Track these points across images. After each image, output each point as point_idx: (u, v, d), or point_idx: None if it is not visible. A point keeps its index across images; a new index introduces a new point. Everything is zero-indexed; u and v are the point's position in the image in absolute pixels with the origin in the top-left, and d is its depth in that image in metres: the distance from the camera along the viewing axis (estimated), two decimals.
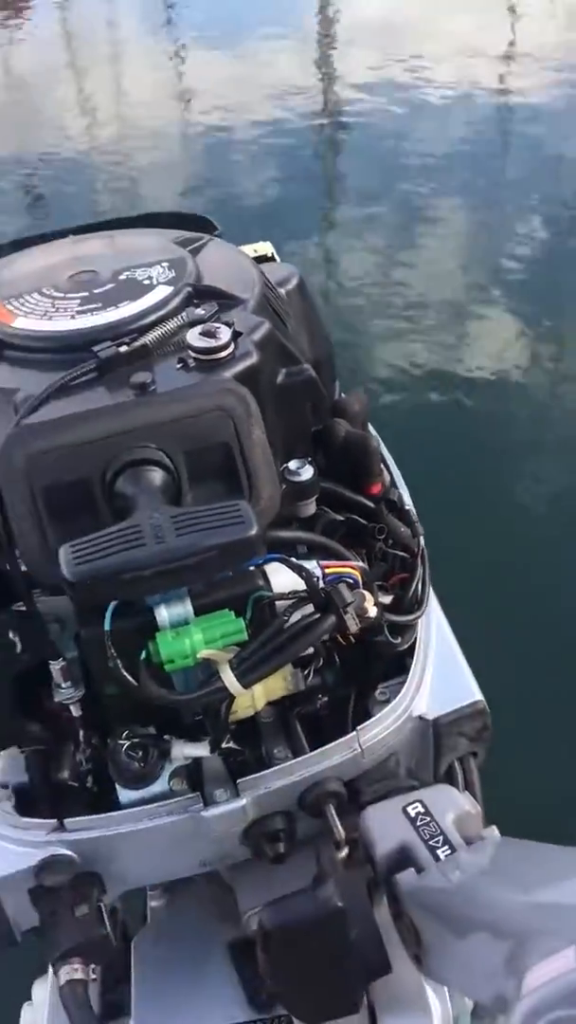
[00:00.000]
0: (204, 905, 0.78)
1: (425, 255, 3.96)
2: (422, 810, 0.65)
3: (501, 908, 0.51)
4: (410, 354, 3.31)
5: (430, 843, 0.63)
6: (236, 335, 0.65)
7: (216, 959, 0.74)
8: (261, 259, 0.83)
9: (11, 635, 0.65)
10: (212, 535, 0.54)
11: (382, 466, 0.79)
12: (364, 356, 3.27)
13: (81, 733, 0.70)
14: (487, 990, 0.49)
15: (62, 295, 0.71)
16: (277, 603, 0.65)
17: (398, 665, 0.75)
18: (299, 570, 0.65)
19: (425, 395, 3.11)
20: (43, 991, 0.77)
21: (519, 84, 5.48)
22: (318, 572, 0.67)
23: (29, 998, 0.79)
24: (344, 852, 0.66)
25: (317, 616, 0.65)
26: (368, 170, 4.78)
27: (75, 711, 0.68)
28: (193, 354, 0.64)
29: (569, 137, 4.81)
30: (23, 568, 0.62)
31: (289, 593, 0.65)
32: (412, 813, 0.65)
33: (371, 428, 0.82)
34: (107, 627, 0.61)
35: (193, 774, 0.69)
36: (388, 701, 0.72)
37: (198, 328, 0.65)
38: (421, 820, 0.65)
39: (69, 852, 0.65)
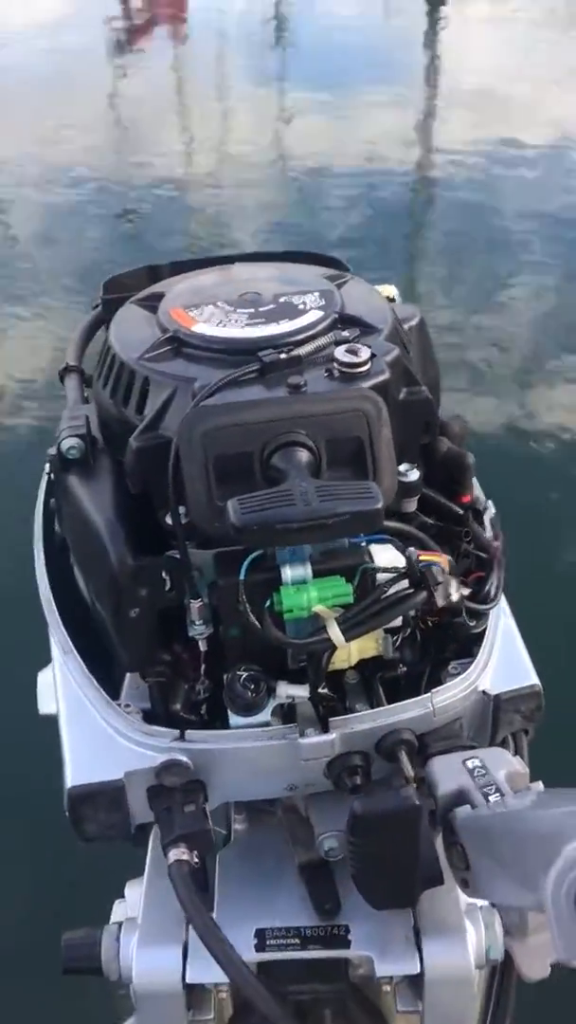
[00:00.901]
0: (281, 831, 0.91)
1: None
2: (479, 764, 0.78)
3: (541, 818, 0.64)
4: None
5: (484, 790, 0.76)
6: (373, 355, 0.80)
7: (289, 875, 0.88)
8: (387, 299, 0.98)
9: (164, 575, 0.80)
10: (347, 503, 0.69)
11: (474, 482, 0.93)
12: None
13: (203, 667, 0.85)
14: (528, 896, 0.62)
15: (233, 309, 0.88)
16: (379, 576, 0.80)
17: (467, 650, 0.89)
18: (402, 550, 0.80)
19: None
20: (135, 890, 0.90)
21: None
22: (415, 556, 0.82)
23: (122, 896, 0.93)
24: (413, 788, 0.79)
25: (411, 590, 0.79)
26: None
27: (202, 646, 0.83)
28: (338, 367, 0.80)
29: None
30: (183, 522, 0.77)
31: (391, 568, 0.79)
32: (470, 766, 0.78)
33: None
34: (242, 577, 0.76)
35: (290, 712, 0.83)
36: (458, 675, 0.85)
37: (343, 346, 0.81)
38: (478, 772, 0.78)
39: (185, 759, 0.79)
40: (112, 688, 0.88)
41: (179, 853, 0.77)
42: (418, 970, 0.80)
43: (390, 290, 1.03)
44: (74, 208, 5.23)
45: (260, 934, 0.83)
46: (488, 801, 0.74)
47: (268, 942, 0.82)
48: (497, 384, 3.73)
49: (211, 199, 5.39)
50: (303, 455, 0.74)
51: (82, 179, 5.55)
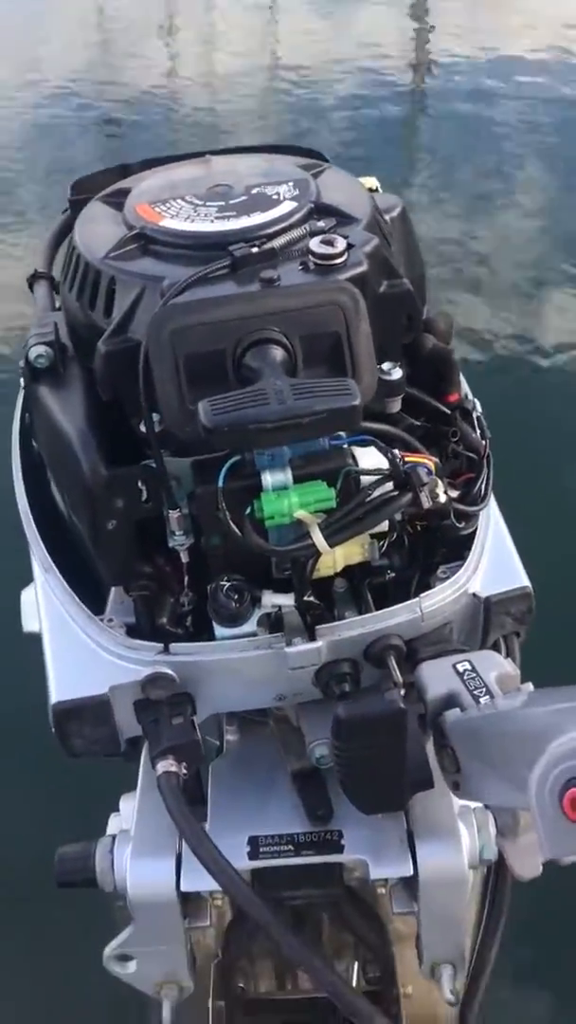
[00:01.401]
0: (273, 741, 0.91)
1: None
2: (469, 667, 0.77)
3: (529, 717, 0.62)
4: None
5: (474, 692, 0.74)
6: (350, 246, 0.76)
7: (281, 783, 0.87)
8: (368, 190, 0.93)
9: (139, 485, 0.78)
10: (324, 401, 0.66)
11: (460, 380, 0.90)
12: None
13: (186, 579, 0.83)
14: (517, 796, 0.61)
15: (202, 203, 0.83)
16: (362, 479, 0.77)
17: (457, 554, 0.86)
18: (385, 451, 0.77)
19: None
20: (129, 803, 0.90)
21: None
22: (399, 458, 0.79)
23: (117, 810, 0.93)
24: (402, 693, 0.78)
25: (396, 493, 0.77)
26: None
27: (184, 557, 0.81)
28: (313, 259, 0.76)
29: None
30: (157, 429, 0.75)
31: (374, 470, 0.76)
32: (460, 669, 0.77)
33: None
34: (220, 484, 0.74)
35: (276, 622, 0.81)
36: (447, 578, 0.83)
37: (318, 237, 0.77)
38: (468, 675, 0.76)
39: (171, 672, 0.78)
40: (98, 604, 0.86)
41: (167, 765, 0.76)
42: (412, 872, 0.80)
43: (371, 181, 0.98)
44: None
45: (253, 842, 0.83)
46: (478, 703, 0.73)
47: (261, 849, 0.82)
48: None
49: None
50: (277, 353, 0.71)
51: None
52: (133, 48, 5.90)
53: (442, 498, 0.79)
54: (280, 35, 6.09)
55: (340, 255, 0.75)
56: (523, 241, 3.96)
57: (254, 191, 0.84)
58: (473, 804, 0.84)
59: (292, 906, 0.88)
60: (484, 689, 0.74)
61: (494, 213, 4.15)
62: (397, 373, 0.82)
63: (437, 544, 0.87)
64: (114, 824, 0.90)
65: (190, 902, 0.83)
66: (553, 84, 5.21)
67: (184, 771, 0.77)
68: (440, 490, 0.79)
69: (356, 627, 0.79)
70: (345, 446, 0.77)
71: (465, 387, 0.92)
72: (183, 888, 0.80)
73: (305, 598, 0.80)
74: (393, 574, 0.85)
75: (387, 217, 0.88)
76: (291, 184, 0.85)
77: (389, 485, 0.77)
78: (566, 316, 3.53)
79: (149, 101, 5.23)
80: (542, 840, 0.52)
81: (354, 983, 0.97)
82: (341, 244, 0.76)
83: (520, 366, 3.30)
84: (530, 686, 0.76)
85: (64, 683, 0.79)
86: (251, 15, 6.35)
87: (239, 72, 5.52)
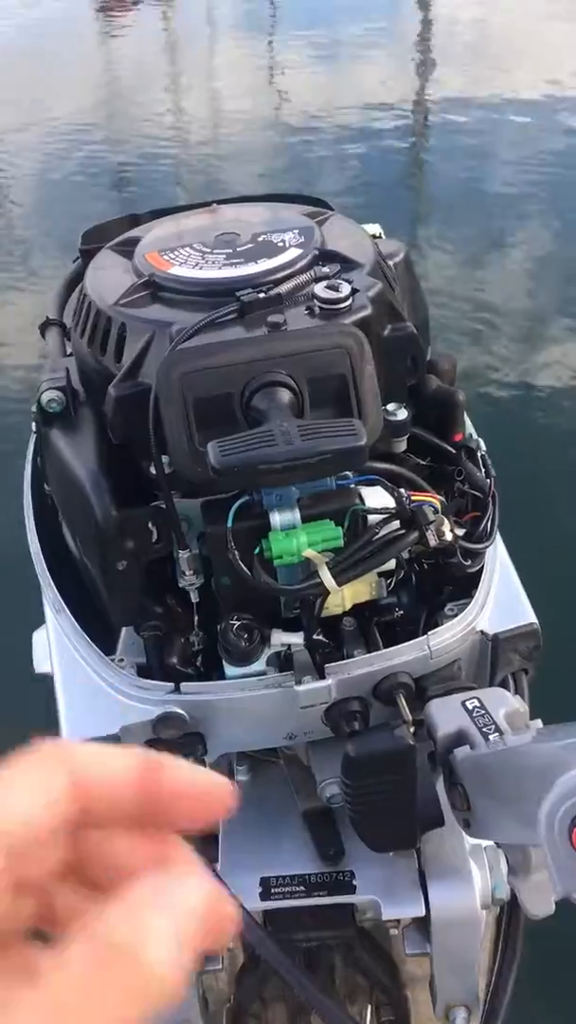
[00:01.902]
0: (284, 781, 0.91)
1: None
2: (478, 704, 0.77)
3: (538, 752, 0.63)
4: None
5: (483, 729, 0.75)
6: (354, 291, 0.78)
7: (292, 824, 0.87)
8: (372, 237, 0.95)
9: (150, 526, 0.79)
10: (330, 441, 0.67)
11: (465, 420, 0.91)
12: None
13: (196, 619, 0.83)
14: (528, 833, 0.61)
15: (210, 250, 0.85)
16: (369, 518, 0.78)
17: (465, 592, 0.87)
18: (391, 490, 0.78)
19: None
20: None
21: None
22: (406, 497, 0.80)
23: None
24: (411, 731, 0.78)
25: (403, 531, 0.78)
26: None
27: (194, 597, 0.82)
28: (319, 303, 0.77)
29: None
30: (167, 471, 0.76)
31: (381, 509, 0.77)
32: (469, 706, 0.77)
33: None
34: (229, 524, 0.75)
35: (286, 661, 0.82)
36: (455, 616, 0.84)
37: (323, 283, 0.78)
38: (477, 712, 0.77)
39: (181, 711, 0.78)
40: (109, 645, 0.87)
41: None
42: (424, 912, 0.80)
43: (374, 228, 1.00)
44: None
45: (265, 883, 0.82)
46: (487, 740, 0.73)
47: (273, 890, 0.82)
48: None
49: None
50: (284, 395, 0.72)
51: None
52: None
53: (448, 536, 0.80)
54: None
55: (345, 299, 0.77)
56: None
57: (260, 238, 0.86)
58: (485, 843, 0.84)
59: (305, 948, 0.88)
60: (493, 726, 0.74)
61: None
62: (403, 414, 0.83)
63: (444, 582, 0.87)
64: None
65: None
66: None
67: None
68: (446, 528, 0.80)
69: (365, 665, 0.79)
70: (352, 486, 0.78)
71: (470, 427, 0.94)
72: None
73: (314, 637, 0.81)
74: (401, 612, 0.86)
75: (391, 262, 0.90)
76: (296, 231, 0.87)
77: (396, 524, 0.78)
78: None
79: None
80: (553, 877, 0.52)
81: None
82: (346, 289, 0.77)
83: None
84: (539, 723, 0.76)
85: (75, 724, 0.80)
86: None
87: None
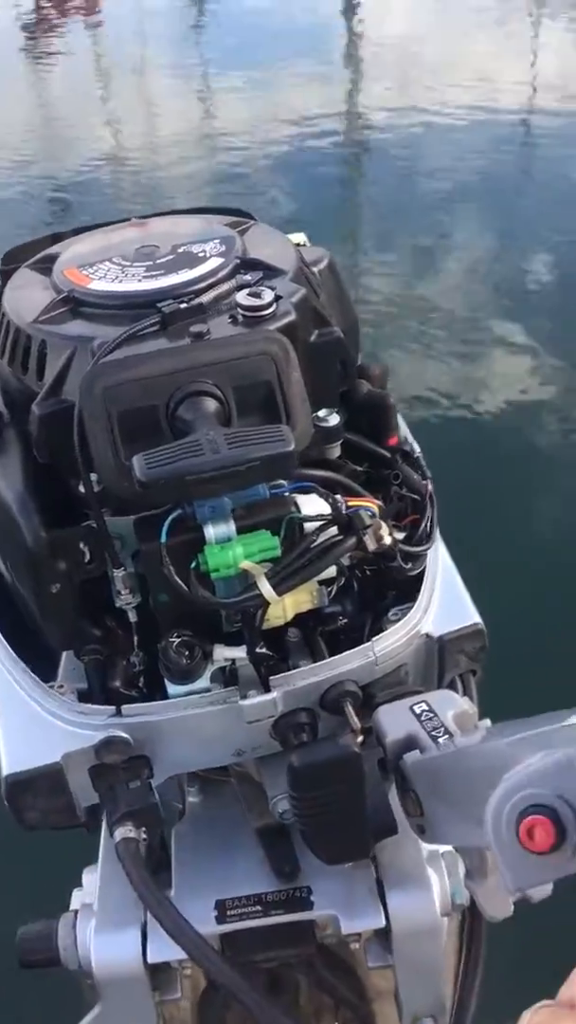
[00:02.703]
0: (236, 799, 0.89)
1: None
2: (426, 708, 0.76)
3: (486, 751, 0.62)
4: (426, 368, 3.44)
5: (432, 733, 0.74)
6: (277, 297, 0.77)
7: (246, 842, 0.85)
8: (296, 245, 0.95)
9: (81, 546, 0.77)
10: (258, 449, 0.66)
11: (398, 423, 0.91)
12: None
13: (136, 639, 0.82)
14: (480, 834, 0.60)
15: (130, 263, 0.84)
16: (306, 526, 0.77)
17: (409, 596, 0.86)
18: (326, 496, 0.77)
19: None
20: (92, 876, 0.87)
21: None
22: (344, 506, 0.79)
23: (80, 885, 0.90)
24: (359, 740, 0.77)
25: (340, 537, 0.77)
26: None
27: (132, 617, 0.80)
28: (241, 311, 0.76)
29: None
30: (96, 489, 0.74)
31: (317, 516, 0.76)
32: (417, 710, 0.76)
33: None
34: (163, 540, 0.73)
35: (231, 676, 0.80)
36: (399, 620, 0.83)
37: (246, 290, 0.78)
38: (425, 716, 0.76)
39: (125, 735, 0.76)
40: (49, 671, 0.85)
41: (126, 831, 0.75)
42: (384, 924, 0.78)
43: (299, 236, 1.00)
44: None
45: (220, 905, 0.80)
46: (437, 744, 0.72)
47: (229, 912, 0.80)
48: None
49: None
50: (210, 404, 0.71)
51: None
52: None
53: (387, 540, 0.79)
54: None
55: (267, 306, 0.76)
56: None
57: (180, 250, 0.85)
58: (442, 848, 0.83)
59: (267, 969, 0.86)
60: (442, 729, 0.74)
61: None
62: (334, 419, 0.83)
63: (387, 587, 0.87)
64: (77, 899, 0.87)
65: (160, 974, 0.81)
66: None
67: (144, 836, 0.76)
68: (385, 532, 0.79)
69: (310, 675, 0.78)
70: (286, 494, 0.77)
71: (405, 430, 0.93)
72: (150, 960, 0.78)
73: (258, 650, 0.79)
74: (345, 620, 0.84)
75: (315, 269, 0.89)
76: (217, 241, 0.86)
77: (333, 530, 0.77)
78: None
79: None
80: (503, 873, 0.51)
81: None
82: (268, 296, 0.77)
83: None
84: (487, 722, 0.75)
85: (16, 754, 0.77)
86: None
87: None
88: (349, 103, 6.32)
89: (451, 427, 3.27)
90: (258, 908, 0.80)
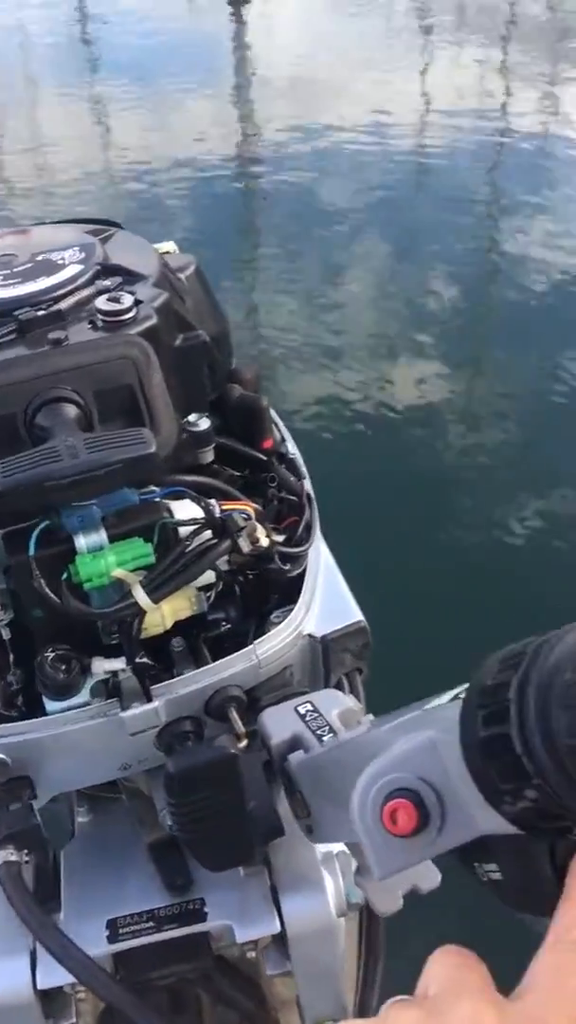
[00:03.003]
0: (126, 816, 0.87)
1: None
2: (311, 708, 0.76)
3: (363, 742, 0.62)
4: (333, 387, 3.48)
5: (316, 732, 0.73)
6: (138, 302, 0.77)
7: (138, 858, 0.84)
8: (164, 254, 0.94)
9: None
10: (118, 452, 0.65)
11: (273, 425, 0.91)
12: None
13: (12, 657, 0.79)
14: None
15: None
16: (181, 532, 0.76)
17: (291, 598, 0.86)
18: (198, 500, 0.76)
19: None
20: None
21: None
22: (217, 509, 0.78)
23: None
24: (244, 743, 0.76)
25: (215, 541, 0.76)
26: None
27: (5, 634, 0.78)
28: (101, 317, 0.75)
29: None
30: None
31: (190, 520, 0.76)
32: (302, 711, 0.76)
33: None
34: (31, 553, 0.71)
35: (114, 689, 0.78)
36: (281, 622, 0.83)
37: (105, 295, 0.77)
38: (310, 716, 0.75)
39: (2, 755, 0.74)
40: None
41: (7, 854, 0.73)
42: (279, 929, 0.78)
43: (168, 245, 0.99)
44: None
45: (112, 924, 0.79)
46: (322, 743, 0.72)
47: (121, 931, 0.78)
48: None
49: None
50: (70, 410, 0.70)
51: None
52: None
53: (264, 542, 0.79)
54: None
55: (127, 311, 0.75)
56: None
57: (39, 258, 0.84)
58: (336, 849, 0.83)
59: (168, 987, 0.84)
60: (327, 727, 0.73)
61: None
62: (204, 423, 0.82)
63: (270, 591, 0.86)
64: None
65: (52, 1000, 0.78)
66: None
67: (26, 859, 0.73)
68: (261, 534, 0.79)
69: (192, 683, 0.77)
70: (158, 499, 0.76)
71: (283, 431, 0.93)
72: (40, 986, 0.75)
73: (139, 660, 0.78)
74: (229, 626, 0.84)
75: (182, 275, 0.88)
76: (76, 249, 0.85)
77: (207, 534, 0.76)
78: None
79: None
80: (369, 859, 0.50)
81: None
82: (128, 300, 0.76)
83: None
84: (370, 717, 0.75)
85: None
86: None
87: None
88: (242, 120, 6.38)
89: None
90: (151, 924, 0.78)
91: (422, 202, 5.16)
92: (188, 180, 5.34)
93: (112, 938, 0.77)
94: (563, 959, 0.39)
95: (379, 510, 2.87)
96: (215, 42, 7.88)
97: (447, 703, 0.49)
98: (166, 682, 0.77)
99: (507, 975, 0.41)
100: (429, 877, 0.71)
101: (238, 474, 0.89)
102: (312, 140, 5.73)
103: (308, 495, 0.88)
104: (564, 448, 3.20)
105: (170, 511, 0.76)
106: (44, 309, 0.76)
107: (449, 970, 0.41)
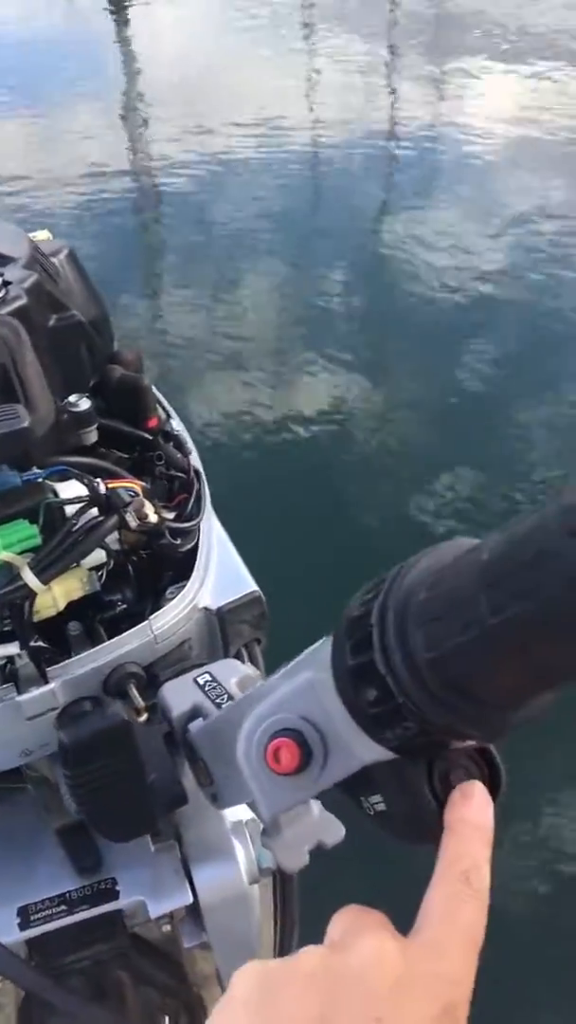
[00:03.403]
0: (32, 805, 0.86)
1: None
2: (210, 678, 0.76)
3: (253, 696, 0.62)
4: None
5: (216, 701, 0.74)
6: (6, 283, 0.76)
7: (46, 845, 0.83)
8: (34, 239, 0.93)
9: None
10: None
11: (156, 404, 0.91)
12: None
13: None
14: None
15: None
16: (67, 511, 0.76)
17: (186, 573, 0.86)
18: (81, 477, 0.76)
19: None
20: None
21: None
22: (102, 486, 0.78)
23: None
24: (144, 718, 0.76)
25: (101, 518, 0.76)
26: None
27: None
28: None
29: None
30: None
31: (74, 499, 0.76)
32: (201, 682, 0.76)
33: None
34: None
35: (10, 675, 0.78)
36: (175, 597, 0.83)
37: None
38: (209, 686, 0.76)
39: None
40: None
41: None
42: (191, 900, 0.78)
43: (44, 233, 0.99)
44: None
45: (23, 911, 0.78)
46: (220, 709, 0.72)
47: (32, 917, 0.78)
48: None
49: None
50: None
51: None
52: None
53: (153, 518, 0.79)
54: None
55: None
56: None
57: None
58: (246, 817, 0.83)
59: (88, 973, 0.83)
60: (226, 696, 0.74)
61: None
62: (85, 404, 0.82)
63: (164, 567, 0.86)
64: None
65: None
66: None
67: None
68: (149, 510, 0.79)
69: (89, 662, 0.77)
70: (41, 480, 0.76)
71: (168, 409, 0.94)
72: None
73: (33, 643, 0.77)
74: (125, 606, 0.84)
75: (55, 259, 0.88)
76: None
77: (94, 512, 0.76)
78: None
79: None
80: (257, 801, 0.51)
81: None
82: None
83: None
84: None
85: None
86: None
87: None
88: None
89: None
90: (63, 908, 0.78)
91: (312, 204, 5.21)
92: (73, 188, 5.27)
93: (24, 924, 0.77)
94: (452, 890, 0.41)
95: (282, 497, 2.91)
96: (98, 45, 7.81)
97: (323, 643, 0.50)
98: (61, 664, 0.76)
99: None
100: (333, 831, 0.72)
101: (126, 456, 0.89)
102: (199, 143, 5.72)
103: (196, 470, 0.89)
104: (455, 437, 3.28)
105: (55, 491, 0.76)
106: None
107: (351, 915, 0.43)
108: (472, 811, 0.43)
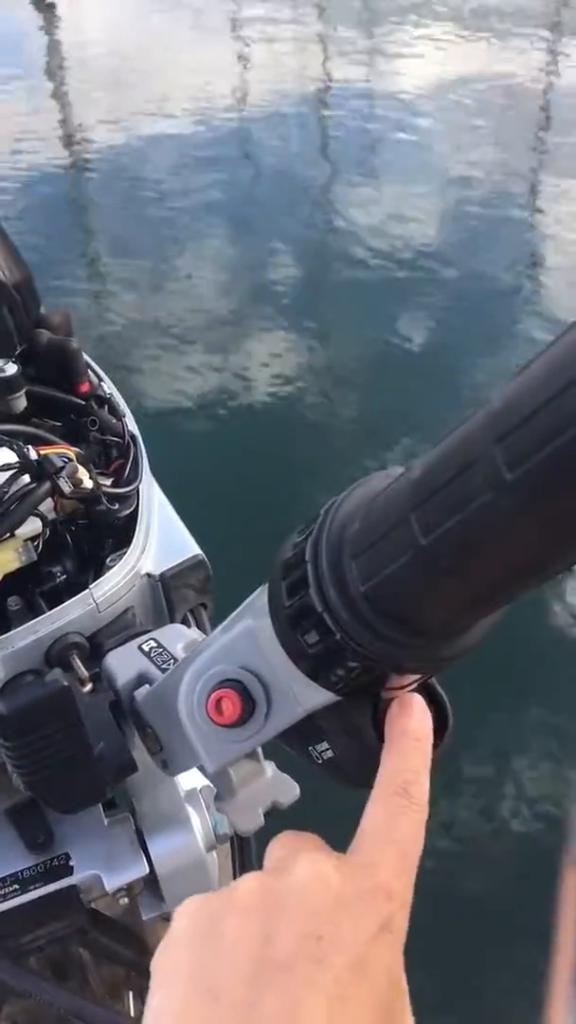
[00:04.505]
0: None
1: None
2: (155, 645, 0.74)
3: (195, 655, 0.61)
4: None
5: (162, 667, 0.72)
6: None
7: None
8: None
9: None
10: None
11: (87, 368, 0.88)
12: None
13: None
14: None
15: None
16: None
17: (127, 542, 0.84)
18: (10, 444, 0.74)
19: None
20: None
21: None
22: (33, 452, 0.76)
23: None
24: (88, 687, 0.74)
25: (33, 484, 0.74)
26: None
27: None
28: None
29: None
30: None
31: (3, 466, 0.73)
32: (146, 648, 0.74)
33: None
34: None
35: None
36: (116, 564, 0.81)
37: None
38: (155, 652, 0.74)
39: None
40: None
41: None
42: (147, 871, 0.76)
43: None
44: None
45: None
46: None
47: None
48: None
49: None
50: None
51: None
52: None
53: (87, 483, 0.77)
54: None
55: None
56: None
57: None
58: (200, 784, 0.82)
59: (48, 954, 0.82)
60: (172, 661, 0.72)
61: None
62: (11, 369, 0.79)
63: (103, 536, 0.84)
64: None
65: None
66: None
67: None
68: (84, 475, 0.77)
69: (30, 634, 0.74)
70: None
71: (99, 372, 0.91)
72: None
73: None
74: (64, 576, 0.81)
75: None
76: None
77: (26, 479, 0.74)
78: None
79: None
80: (201, 756, 0.50)
81: (135, 1013, 0.92)
82: None
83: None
84: None
85: None
86: None
87: None
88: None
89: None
90: (15, 887, 0.76)
91: (252, 179, 5.15)
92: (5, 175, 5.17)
93: None
94: (390, 804, 0.40)
95: (227, 462, 2.89)
96: (20, 33, 7.64)
97: (259, 592, 0.49)
98: (2, 637, 0.74)
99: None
100: (287, 791, 0.70)
101: (58, 423, 0.87)
102: (135, 126, 5.63)
103: (131, 434, 0.87)
104: (399, 396, 3.29)
105: None
106: None
107: (286, 839, 0.42)
108: (411, 721, 0.42)
